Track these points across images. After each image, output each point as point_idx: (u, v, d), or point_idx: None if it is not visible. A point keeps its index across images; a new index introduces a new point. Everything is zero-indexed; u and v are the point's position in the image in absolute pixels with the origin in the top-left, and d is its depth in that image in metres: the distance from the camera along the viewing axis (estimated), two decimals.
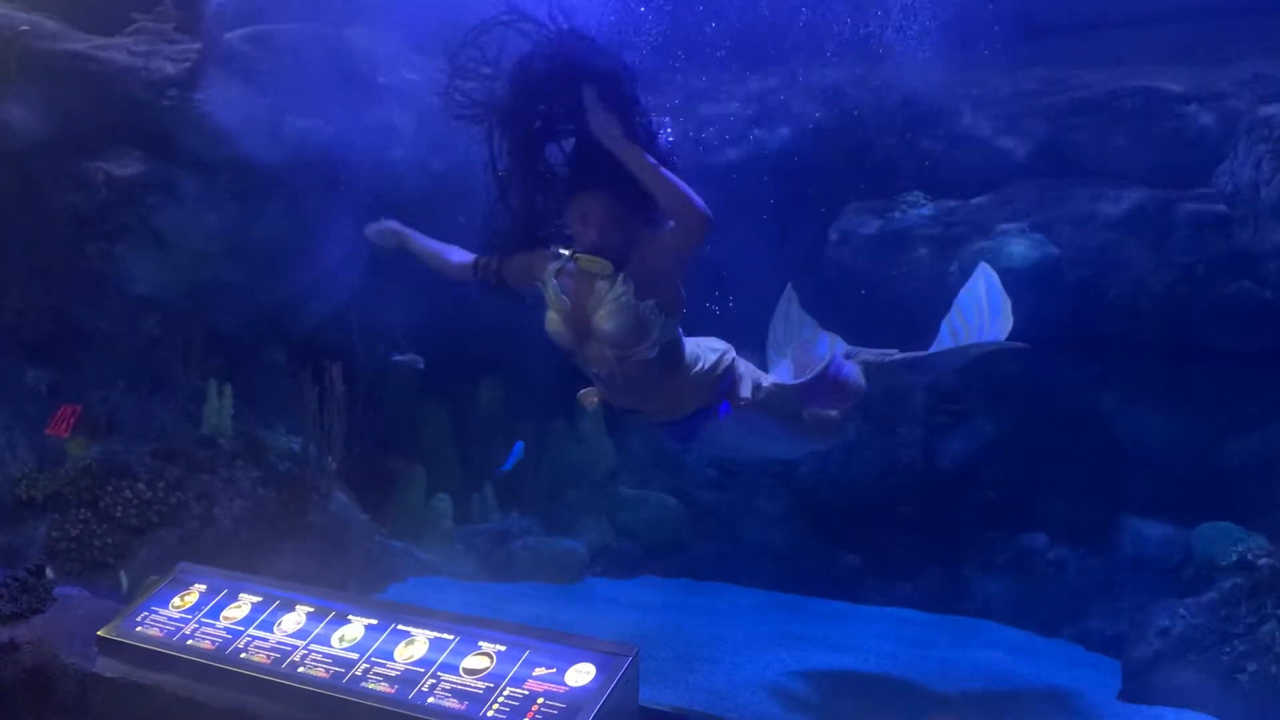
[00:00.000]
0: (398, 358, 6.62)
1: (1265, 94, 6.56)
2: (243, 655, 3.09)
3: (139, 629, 3.29)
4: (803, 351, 4.72)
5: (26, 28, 5.71)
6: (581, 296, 3.26)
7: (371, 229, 3.84)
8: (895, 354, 4.39)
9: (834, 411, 4.07)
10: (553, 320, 3.34)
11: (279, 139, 6.31)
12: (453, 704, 2.76)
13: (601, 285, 3.21)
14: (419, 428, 7.79)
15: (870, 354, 4.38)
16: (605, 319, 3.21)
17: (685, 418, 3.63)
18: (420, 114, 7.05)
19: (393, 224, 3.82)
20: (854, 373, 4.14)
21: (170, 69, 6.13)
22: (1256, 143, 6.07)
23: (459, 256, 3.64)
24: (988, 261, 6.62)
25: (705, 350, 3.59)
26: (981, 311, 4.75)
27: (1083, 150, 7.11)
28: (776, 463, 6.93)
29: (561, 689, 2.73)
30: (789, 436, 4.07)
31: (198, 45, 6.25)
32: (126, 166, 6.02)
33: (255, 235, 6.37)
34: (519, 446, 6.68)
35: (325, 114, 6.59)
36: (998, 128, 7.38)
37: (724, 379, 3.62)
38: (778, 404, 3.83)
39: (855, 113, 7.60)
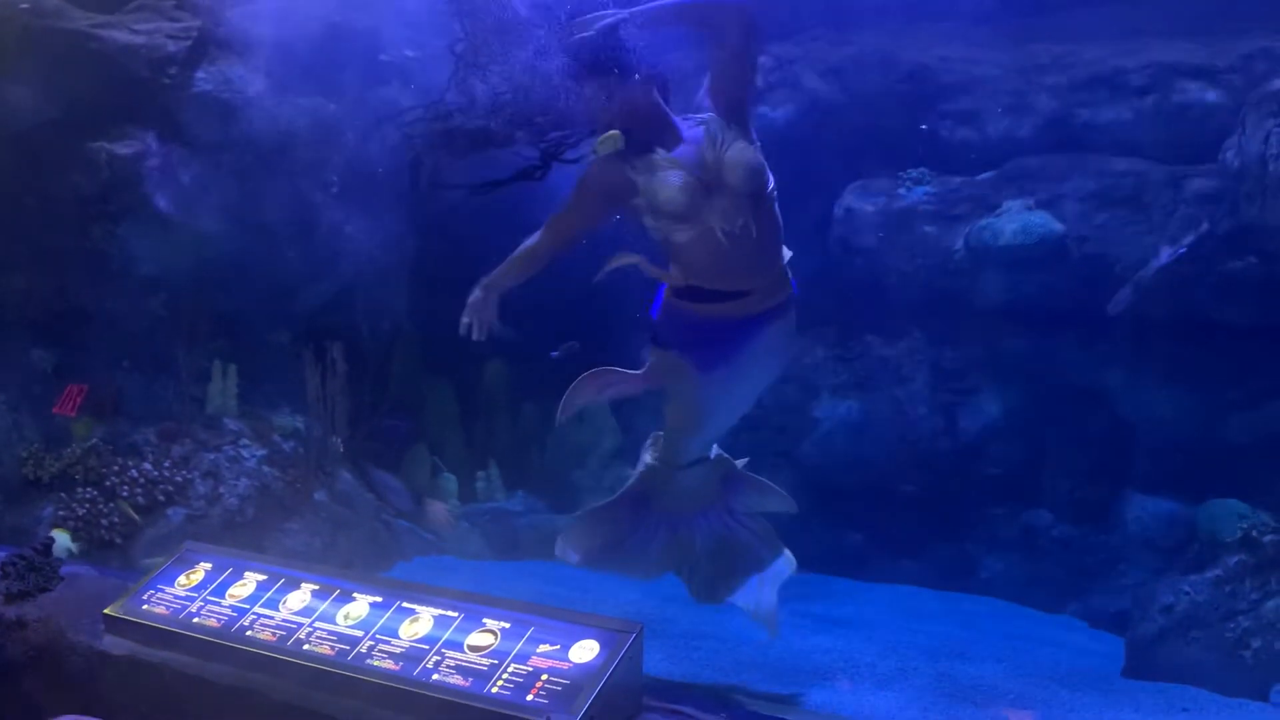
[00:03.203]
0: (556, 354, 6.56)
1: (1274, 68, 6.51)
2: (248, 633, 3.11)
3: (145, 607, 3.31)
4: None
5: (26, 5, 5.68)
6: (696, 158, 3.36)
7: (473, 312, 3.72)
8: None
9: None
10: (675, 192, 3.34)
11: (281, 118, 6.30)
12: (457, 680, 2.77)
13: (710, 138, 3.35)
14: (424, 407, 7.80)
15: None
16: (737, 160, 3.32)
17: (772, 308, 3.63)
18: (423, 92, 7.02)
19: (479, 293, 3.72)
20: None
21: (172, 47, 6.10)
22: (1265, 117, 6.02)
23: (532, 240, 3.67)
24: (992, 236, 6.65)
25: None
26: None
27: (1088, 126, 7.06)
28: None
29: (566, 665, 2.74)
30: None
31: (199, 23, 6.22)
32: (129, 146, 5.99)
33: (259, 215, 6.35)
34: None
35: (327, 92, 6.57)
36: (1004, 103, 7.33)
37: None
38: None
39: (860, 88, 7.55)
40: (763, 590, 4.17)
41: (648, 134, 3.44)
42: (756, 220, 3.41)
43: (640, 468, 4.25)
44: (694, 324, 3.62)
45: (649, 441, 4.33)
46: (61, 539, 4.96)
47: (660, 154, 3.40)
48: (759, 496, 4.29)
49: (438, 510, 6.46)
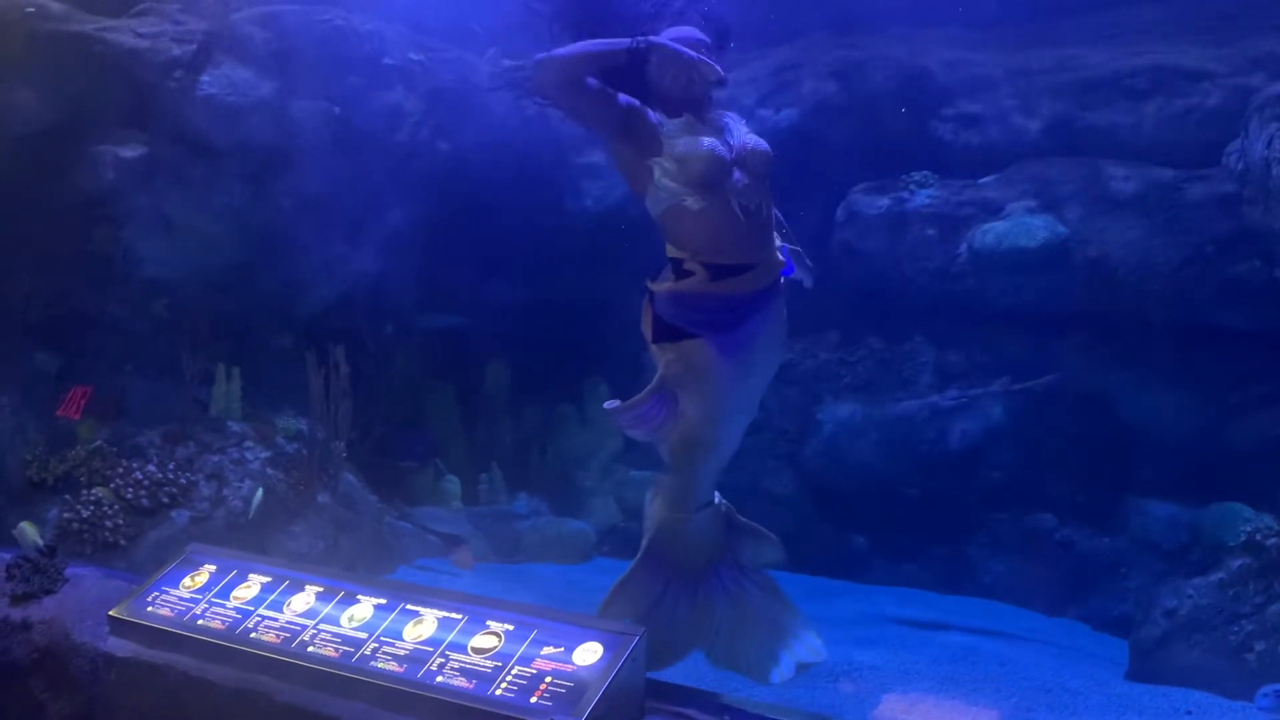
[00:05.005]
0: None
1: (1277, 71, 6.51)
2: (253, 635, 3.12)
3: (150, 609, 3.32)
4: None
5: (32, 9, 5.70)
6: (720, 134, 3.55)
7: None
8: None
9: None
10: (706, 155, 3.42)
11: (286, 121, 6.31)
12: (461, 683, 2.78)
13: (734, 124, 3.60)
14: (427, 410, 7.81)
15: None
16: (757, 145, 3.54)
17: (774, 282, 3.68)
18: (427, 95, 7.06)
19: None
20: None
21: (176, 51, 6.11)
22: (1268, 121, 6.02)
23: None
24: (995, 239, 6.66)
25: None
26: None
27: (1092, 129, 7.06)
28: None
29: (569, 668, 2.75)
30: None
31: (204, 27, 6.23)
32: (134, 149, 6.01)
33: (263, 218, 6.37)
34: None
35: (332, 96, 6.58)
36: (1007, 107, 7.34)
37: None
38: None
39: (863, 92, 7.55)
40: (784, 657, 4.05)
41: (687, 101, 3.53)
42: (764, 200, 3.59)
43: (650, 523, 3.96)
44: (709, 303, 3.53)
45: (649, 494, 4.17)
46: (29, 532, 4.92)
47: (690, 118, 3.49)
48: (756, 544, 4.14)
49: (463, 553, 6.66)
